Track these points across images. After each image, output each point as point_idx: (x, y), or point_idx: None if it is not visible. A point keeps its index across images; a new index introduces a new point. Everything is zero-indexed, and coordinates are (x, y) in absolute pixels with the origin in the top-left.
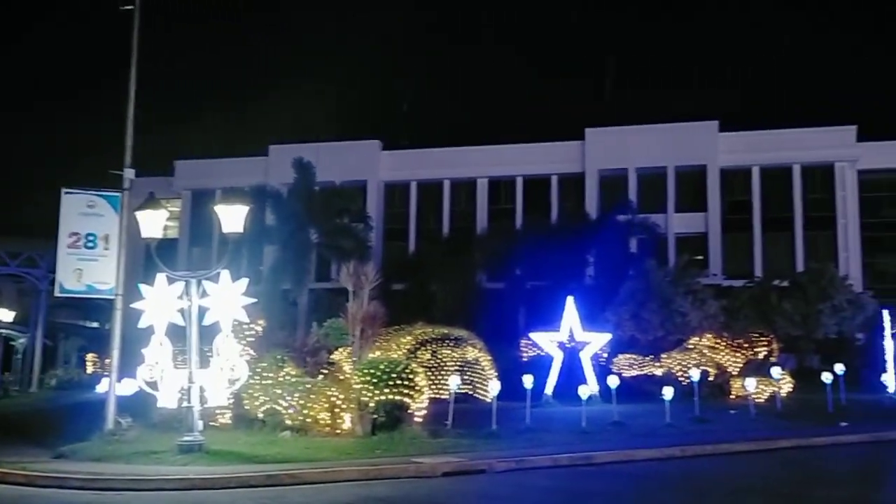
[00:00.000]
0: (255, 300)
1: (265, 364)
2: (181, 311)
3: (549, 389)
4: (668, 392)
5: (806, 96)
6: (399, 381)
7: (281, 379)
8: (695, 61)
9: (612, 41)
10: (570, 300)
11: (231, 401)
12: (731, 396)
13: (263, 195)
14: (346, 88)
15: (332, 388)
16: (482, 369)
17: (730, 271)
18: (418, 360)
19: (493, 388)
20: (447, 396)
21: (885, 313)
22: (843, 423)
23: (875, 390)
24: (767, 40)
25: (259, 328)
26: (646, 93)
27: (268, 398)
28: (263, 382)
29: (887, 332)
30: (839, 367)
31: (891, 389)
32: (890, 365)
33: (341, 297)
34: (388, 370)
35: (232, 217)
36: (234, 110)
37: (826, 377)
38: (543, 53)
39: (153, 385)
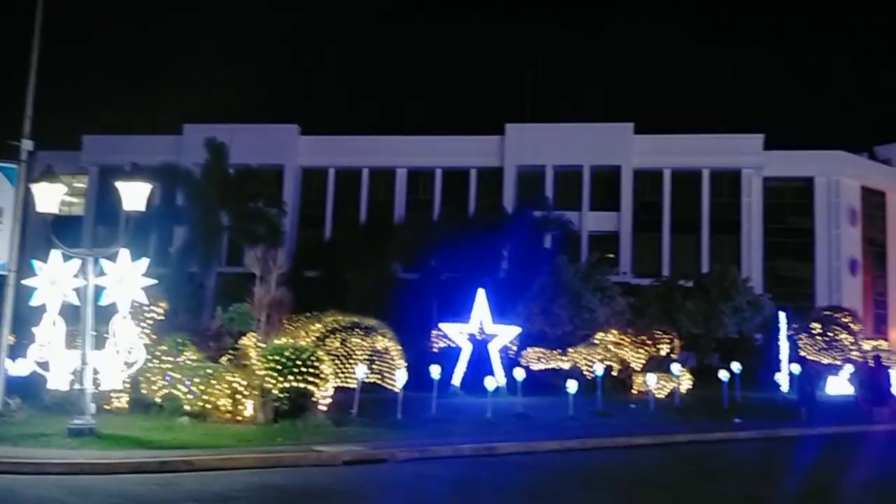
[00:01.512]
0: (156, 281)
1: (165, 347)
2: (77, 290)
3: (456, 380)
4: (572, 386)
5: (718, 104)
6: (304, 369)
7: (181, 363)
8: (613, 65)
9: (535, 41)
10: (481, 293)
11: (128, 384)
12: (633, 391)
13: (174, 174)
14: (267, 72)
15: (235, 374)
16: (391, 359)
17: (639, 270)
18: (327, 348)
19: (401, 377)
20: (355, 385)
21: (782, 315)
22: (738, 420)
23: (769, 389)
24: (684, 49)
25: (161, 310)
26: (566, 92)
27: (166, 382)
28: (162, 366)
29: (783, 333)
30: (736, 366)
31: (784, 388)
32: (784, 365)
33: (251, 283)
34: (293, 357)
35: (134, 194)
36: (150, 88)
37: (723, 375)
38: (467, 47)
39: (45, 366)
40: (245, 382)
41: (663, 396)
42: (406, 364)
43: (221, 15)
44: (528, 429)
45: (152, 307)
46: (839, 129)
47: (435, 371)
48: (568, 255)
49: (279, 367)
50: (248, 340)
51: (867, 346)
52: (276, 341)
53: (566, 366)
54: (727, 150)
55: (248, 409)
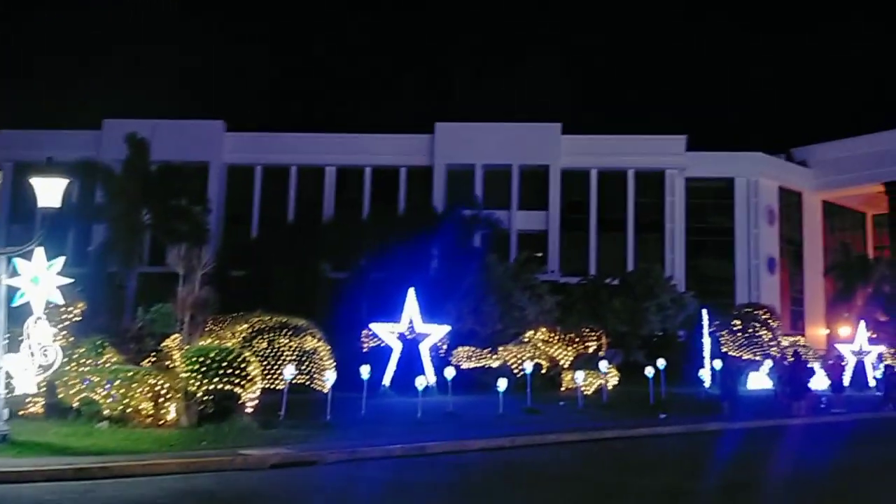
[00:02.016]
0: (73, 280)
1: (83, 350)
2: None
3: (387, 380)
4: (502, 384)
5: (643, 106)
6: (230, 370)
7: (100, 366)
8: (540, 64)
9: (466, 41)
10: (411, 292)
11: (43, 389)
12: (562, 388)
13: (93, 171)
14: (192, 67)
15: (157, 377)
16: (320, 359)
17: (566, 269)
18: (254, 348)
19: (330, 378)
20: (283, 386)
21: (705, 312)
22: (663, 415)
23: (693, 384)
24: (610, 51)
25: (78, 311)
26: (496, 92)
27: (84, 386)
28: (80, 369)
29: (706, 329)
30: (661, 362)
31: (707, 384)
32: (707, 361)
33: (174, 282)
34: (218, 358)
35: (50, 191)
36: (70, 84)
37: (649, 371)
38: (399, 46)
39: None
40: (168, 385)
41: (591, 393)
42: (335, 364)
43: (145, 9)
44: (458, 427)
45: (69, 308)
46: (758, 132)
47: (365, 371)
48: (497, 254)
49: (203, 368)
50: (170, 342)
51: (785, 342)
52: (201, 342)
53: (496, 364)
54: (651, 150)
55: (171, 412)
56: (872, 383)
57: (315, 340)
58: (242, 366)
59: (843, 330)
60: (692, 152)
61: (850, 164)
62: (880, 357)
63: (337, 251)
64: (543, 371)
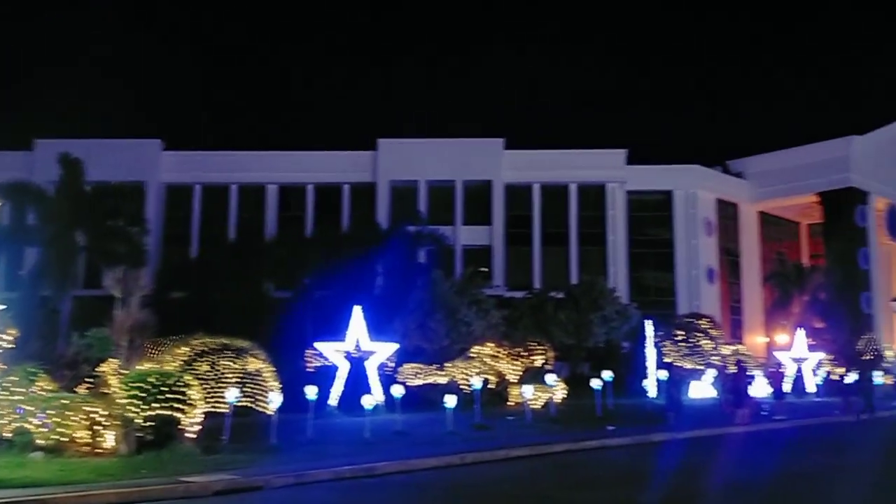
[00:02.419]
0: (4, 307)
1: (15, 378)
2: None
3: (333, 400)
4: (450, 400)
5: (583, 120)
6: (170, 395)
7: (33, 394)
8: (486, 82)
9: (407, 58)
10: (357, 310)
11: None
12: (510, 403)
13: (24, 192)
14: (128, 88)
15: (93, 404)
16: (264, 381)
17: (512, 283)
18: (195, 372)
19: (275, 400)
20: (226, 410)
21: (648, 323)
22: (610, 427)
23: (638, 395)
24: (552, 68)
25: (10, 338)
26: (438, 108)
27: (17, 415)
28: (12, 398)
29: (649, 340)
30: (607, 374)
31: (652, 394)
32: (651, 371)
33: (111, 306)
34: (157, 383)
35: None
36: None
37: (595, 383)
38: (340, 61)
39: None
40: (105, 412)
41: (539, 407)
42: (280, 385)
43: (78, 28)
44: (407, 446)
45: (0, 335)
46: (696, 145)
47: (310, 391)
48: (443, 270)
49: (142, 394)
50: (107, 367)
51: (726, 350)
52: (139, 367)
53: (444, 380)
54: (592, 164)
55: (109, 440)
56: (812, 389)
57: (259, 361)
58: (183, 390)
59: (782, 338)
60: (632, 166)
61: (785, 175)
62: (819, 363)
63: (280, 270)
64: (491, 386)
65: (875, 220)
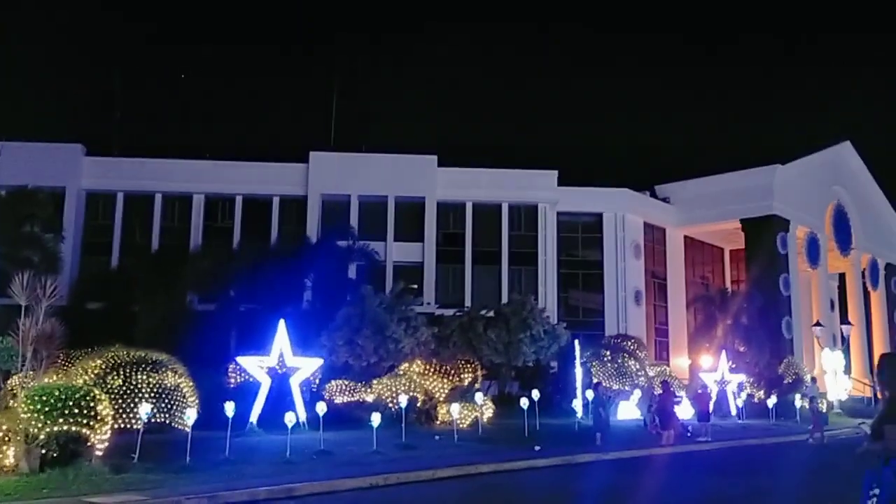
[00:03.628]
0: None
1: None
2: None
3: (254, 417)
4: (375, 419)
5: (517, 140)
6: (77, 410)
7: None
8: (420, 99)
9: (340, 70)
10: (281, 324)
11: None
12: (438, 422)
13: None
14: (49, 90)
15: None
16: (182, 396)
17: (443, 300)
18: (107, 386)
19: (191, 416)
20: (139, 426)
21: (577, 343)
22: (537, 447)
23: (566, 415)
24: (486, 86)
25: None
26: (371, 123)
27: None
28: None
29: (578, 360)
30: (535, 394)
31: (579, 414)
32: (579, 391)
33: (18, 315)
34: (63, 397)
35: None
36: None
37: (524, 403)
38: (273, 72)
39: None
40: (5, 427)
41: (467, 426)
42: (199, 401)
43: None
44: (330, 466)
45: None
46: (625, 169)
47: (229, 408)
48: (373, 286)
49: (46, 408)
50: (13, 380)
51: (652, 371)
52: (46, 380)
53: (371, 398)
54: (524, 185)
55: (10, 457)
56: (734, 412)
57: (176, 376)
58: (92, 405)
59: (705, 360)
60: (563, 187)
61: (710, 201)
62: (741, 386)
63: (205, 282)
64: (419, 404)
65: (796, 247)
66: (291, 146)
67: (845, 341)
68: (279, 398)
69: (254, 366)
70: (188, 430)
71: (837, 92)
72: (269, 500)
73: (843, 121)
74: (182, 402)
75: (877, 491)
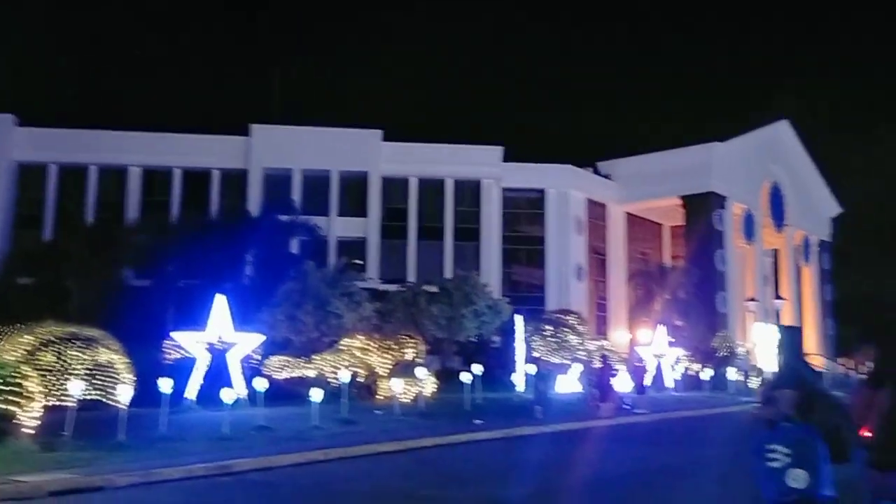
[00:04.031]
0: None
1: None
2: None
3: (191, 393)
4: (316, 394)
5: (462, 115)
6: (3, 387)
7: None
8: (362, 72)
9: (282, 42)
10: (220, 298)
11: None
12: (379, 397)
13: None
14: None
15: None
16: (116, 373)
17: (386, 276)
18: (38, 362)
19: (125, 393)
20: (72, 404)
21: (518, 318)
22: (478, 421)
23: (507, 389)
24: (428, 61)
25: None
26: (314, 95)
27: None
28: None
29: (519, 335)
30: (477, 368)
31: (520, 388)
32: (520, 366)
33: None
34: None
35: None
36: None
37: (465, 377)
38: (214, 42)
39: None
40: None
41: (408, 401)
42: (135, 378)
43: None
44: (269, 442)
45: None
46: (568, 145)
47: (165, 384)
48: (316, 261)
49: None
50: None
51: (592, 346)
52: None
53: (312, 374)
54: (469, 160)
55: None
56: (671, 384)
57: (111, 352)
58: (19, 381)
59: (644, 334)
60: (507, 163)
61: (650, 178)
62: (677, 359)
63: (141, 257)
64: (360, 379)
65: (732, 224)
66: (234, 119)
67: (778, 316)
68: (218, 374)
69: (191, 341)
70: (123, 407)
71: (776, 71)
72: (205, 476)
73: (781, 100)
74: (116, 378)
75: (783, 450)
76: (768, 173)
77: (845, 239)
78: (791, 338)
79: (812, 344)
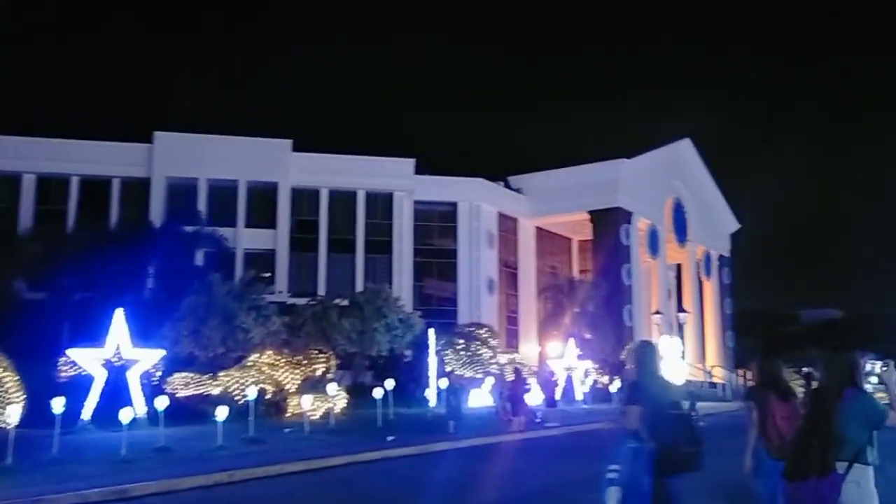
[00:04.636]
0: None
1: None
2: None
3: (86, 413)
4: (221, 412)
5: (375, 128)
6: None
7: None
8: (271, 80)
9: (190, 49)
10: (118, 313)
11: None
12: (288, 414)
13: None
14: None
15: None
16: (5, 391)
17: (296, 289)
18: None
19: (14, 413)
20: None
21: (431, 332)
22: (391, 438)
23: (420, 404)
24: (341, 75)
25: None
26: (224, 104)
27: None
28: None
29: (432, 349)
30: (389, 383)
31: (433, 403)
32: (433, 381)
33: None
34: None
35: None
36: None
37: (377, 393)
38: (117, 51)
39: None
40: None
41: (318, 418)
42: (26, 397)
43: None
44: (170, 464)
45: None
46: (479, 159)
47: (57, 404)
48: (222, 274)
49: None
50: None
51: (503, 359)
52: None
53: (217, 391)
54: (381, 172)
55: None
56: (580, 397)
57: None
58: None
59: (554, 347)
60: (420, 175)
61: (559, 193)
62: (587, 372)
63: (34, 269)
64: (268, 396)
65: (638, 238)
66: (138, 126)
67: (682, 328)
68: (116, 393)
69: (87, 358)
70: (11, 427)
71: (681, 92)
72: (100, 502)
73: (685, 119)
74: (5, 397)
75: (615, 468)
76: (671, 190)
77: (743, 254)
78: (643, 353)
79: (713, 356)
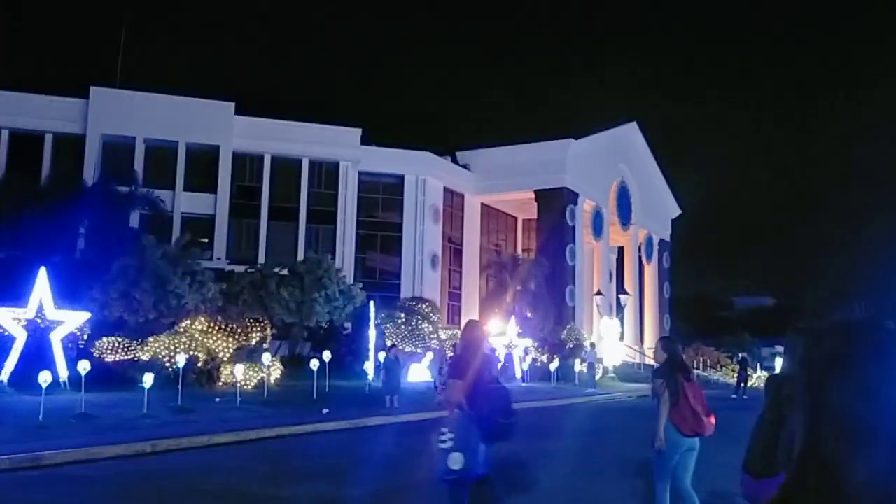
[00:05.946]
0: None
1: None
2: None
3: (4, 376)
4: (147, 379)
5: (322, 95)
6: None
7: None
8: (215, 40)
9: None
10: (42, 272)
11: None
12: (220, 384)
13: None
14: None
15: None
16: None
17: (234, 256)
18: None
19: None
20: None
21: (372, 305)
22: (325, 410)
23: (358, 377)
24: (295, 38)
25: None
26: (163, 61)
27: None
28: None
29: (372, 322)
30: (326, 355)
31: (370, 377)
32: (372, 353)
33: None
34: None
35: None
36: None
37: (314, 364)
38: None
39: None
40: None
41: (252, 388)
42: None
43: None
44: (90, 432)
45: None
46: (427, 132)
47: None
48: (157, 237)
49: None
50: None
51: (444, 334)
52: None
53: (146, 357)
54: (327, 140)
55: None
56: (519, 375)
57: None
58: None
59: (495, 324)
60: (366, 146)
61: (506, 170)
62: (526, 350)
63: None
64: (200, 364)
65: (583, 219)
66: (75, 81)
67: (621, 310)
68: (38, 355)
69: (7, 318)
70: None
71: (629, 76)
72: (11, 470)
73: (632, 101)
74: None
75: (449, 434)
76: (618, 172)
77: (682, 240)
78: (469, 331)
79: (650, 338)
